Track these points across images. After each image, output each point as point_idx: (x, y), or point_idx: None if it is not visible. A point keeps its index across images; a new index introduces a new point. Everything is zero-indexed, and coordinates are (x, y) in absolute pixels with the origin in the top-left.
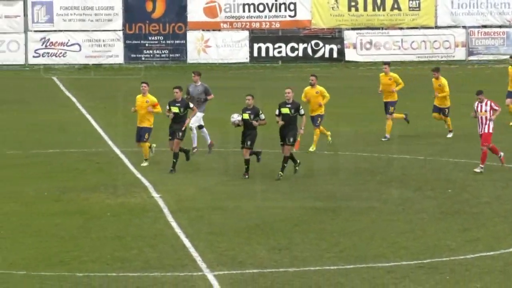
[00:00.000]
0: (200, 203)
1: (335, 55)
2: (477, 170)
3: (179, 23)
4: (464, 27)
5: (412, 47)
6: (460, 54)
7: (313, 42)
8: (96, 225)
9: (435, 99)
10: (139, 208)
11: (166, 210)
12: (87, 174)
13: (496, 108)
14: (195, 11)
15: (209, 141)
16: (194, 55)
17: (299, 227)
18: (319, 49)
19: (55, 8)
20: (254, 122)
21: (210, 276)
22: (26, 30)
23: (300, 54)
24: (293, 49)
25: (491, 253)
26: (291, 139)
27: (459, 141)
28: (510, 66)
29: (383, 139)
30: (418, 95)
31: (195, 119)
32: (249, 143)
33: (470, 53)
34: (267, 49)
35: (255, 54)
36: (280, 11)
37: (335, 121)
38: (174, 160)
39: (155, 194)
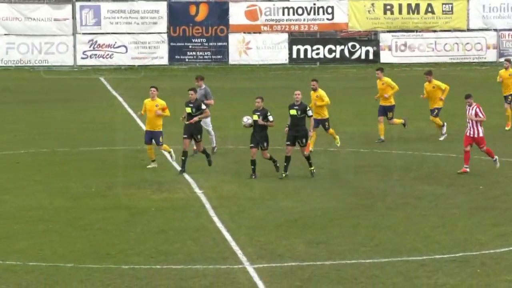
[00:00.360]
0: (240, 198)
1: (371, 56)
2: (497, 165)
3: (221, 26)
4: (495, 30)
5: (445, 49)
6: (491, 55)
7: (349, 44)
8: (141, 220)
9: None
10: (182, 203)
11: (208, 205)
12: (133, 170)
13: (481, 115)
14: (236, 14)
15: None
16: (235, 57)
17: (336, 221)
18: (355, 51)
19: (102, 12)
20: (260, 120)
21: (250, 269)
22: (74, 33)
23: (337, 56)
24: (330, 51)
25: None
26: (304, 140)
27: (491, 140)
28: (503, 70)
29: (376, 141)
30: (452, 94)
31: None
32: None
33: (501, 54)
34: (305, 51)
35: (294, 55)
36: (318, 14)
37: (372, 119)
38: (184, 158)
39: (197, 190)
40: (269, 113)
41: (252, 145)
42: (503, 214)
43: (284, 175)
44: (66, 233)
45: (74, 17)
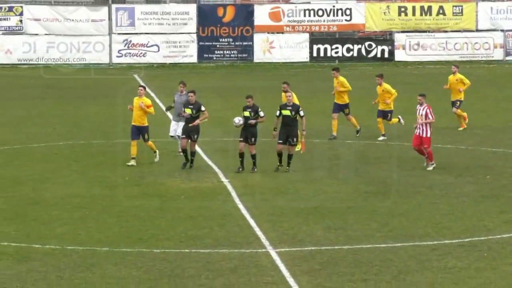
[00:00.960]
0: (264, 187)
1: (386, 55)
2: (430, 168)
3: (247, 26)
4: (502, 30)
5: (455, 48)
6: (498, 54)
7: (366, 43)
8: (171, 207)
9: (380, 104)
10: (210, 191)
11: (234, 194)
12: (164, 161)
13: (430, 117)
14: (261, 16)
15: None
16: (259, 55)
17: (353, 209)
18: (372, 50)
19: (136, 13)
20: (251, 121)
21: (273, 253)
22: (110, 33)
23: (355, 55)
24: (348, 50)
25: None
26: (295, 139)
27: (497, 133)
28: (452, 75)
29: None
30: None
31: (177, 127)
32: (253, 139)
33: (507, 53)
34: (325, 50)
35: (315, 54)
36: (337, 15)
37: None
38: (185, 154)
39: (224, 179)
40: (259, 109)
41: (241, 139)
42: (509, 202)
43: (278, 166)
44: (102, 219)
45: (110, 18)
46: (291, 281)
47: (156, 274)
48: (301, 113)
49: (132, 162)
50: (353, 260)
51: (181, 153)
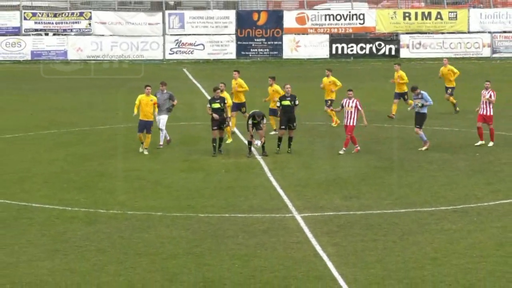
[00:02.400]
0: (291, 163)
1: (393, 53)
2: (341, 152)
3: (277, 28)
4: (489, 32)
5: (451, 47)
6: (486, 52)
7: (376, 43)
8: (213, 179)
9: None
10: (246, 166)
11: (266, 168)
12: (208, 141)
13: (360, 108)
14: (289, 20)
15: (168, 138)
16: (288, 53)
17: (365, 181)
18: (381, 48)
19: (185, 18)
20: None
21: (298, 217)
22: (164, 34)
23: (367, 52)
24: (361, 48)
25: (508, 200)
26: (295, 124)
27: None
28: (325, 77)
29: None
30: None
31: (163, 121)
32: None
33: (493, 51)
34: (342, 48)
35: (333, 52)
36: (352, 20)
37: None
38: (214, 144)
39: (257, 157)
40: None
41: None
42: (495, 175)
43: (277, 150)
44: (156, 189)
45: (164, 22)
46: (313, 240)
47: (201, 235)
48: (297, 102)
49: (142, 149)
50: (365, 223)
51: (213, 144)
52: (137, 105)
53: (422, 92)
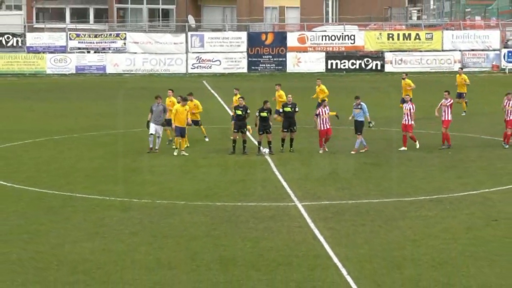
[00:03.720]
0: (293, 160)
1: (379, 68)
2: (321, 151)
3: (282, 47)
4: (460, 50)
5: (427, 63)
6: (457, 67)
7: (365, 59)
8: (228, 173)
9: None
10: (255, 162)
11: (272, 164)
12: (224, 141)
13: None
14: (291, 40)
15: (157, 146)
16: (291, 67)
17: (356, 175)
18: (369, 64)
19: (205, 38)
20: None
21: (299, 206)
22: (186, 52)
23: (357, 67)
24: (352, 64)
25: (475, 192)
26: (295, 127)
27: (456, 122)
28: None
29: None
30: (431, 91)
31: (159, 129)
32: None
33: (463, 66)
34: (336, 63)
35: (329, 67)
36: (344, 40)
37: (380, 109)
38: (234, 145)
39: (266, 156)
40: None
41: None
42: (465, 170)
43: (281, 149)
44: (180, 181)
45: (186, 42)
46: (312, 225)
47: (218, 220)
48: (297, 109)
49: (183, 152)
50: (355, 211)
51: (233, 144)
52: (174, 114)
53: (362, 103)
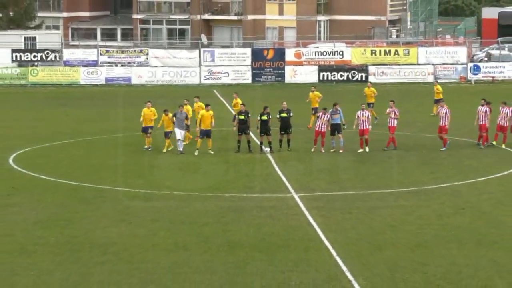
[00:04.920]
0: (292, 157)
1: (363, 79)
2: (312, 150)
3: (281, 61)
4: (432, 64)
5: (405, 75)
6: (430, 79)
7: (352, 72)
8: (235, 169)
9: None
10: (258, 160)
11: (272, 161)
12: (231, 141)
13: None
14: (289, 55)
15: (181, 148)
16: (288, 79)
17: (344, 170)
18: (355, 76)
19: (216, 54)
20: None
21: (296, 197)
22: (200, 65)
23: (345, 78)
24: (341, 76)
25: (446, 184)
26: (290, 130)
27: (429, 125)
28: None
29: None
30: (407, 100)
31: (180, 134)
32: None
33: (436, 78)
34: (327, 75)
35: (321, 78)
36: (334, 55)
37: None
38: (238, 145)
39: (268, 154)
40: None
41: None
42: (437, 166)
43: (280, 149)
44: (193, 176)
45: (200, 57)
46: (307, 213)
47: (226, 209)
48: (291, 114)
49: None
50: (343, 201)
51: (238, 144)
52: (199, 118)
53: (339, 109)
